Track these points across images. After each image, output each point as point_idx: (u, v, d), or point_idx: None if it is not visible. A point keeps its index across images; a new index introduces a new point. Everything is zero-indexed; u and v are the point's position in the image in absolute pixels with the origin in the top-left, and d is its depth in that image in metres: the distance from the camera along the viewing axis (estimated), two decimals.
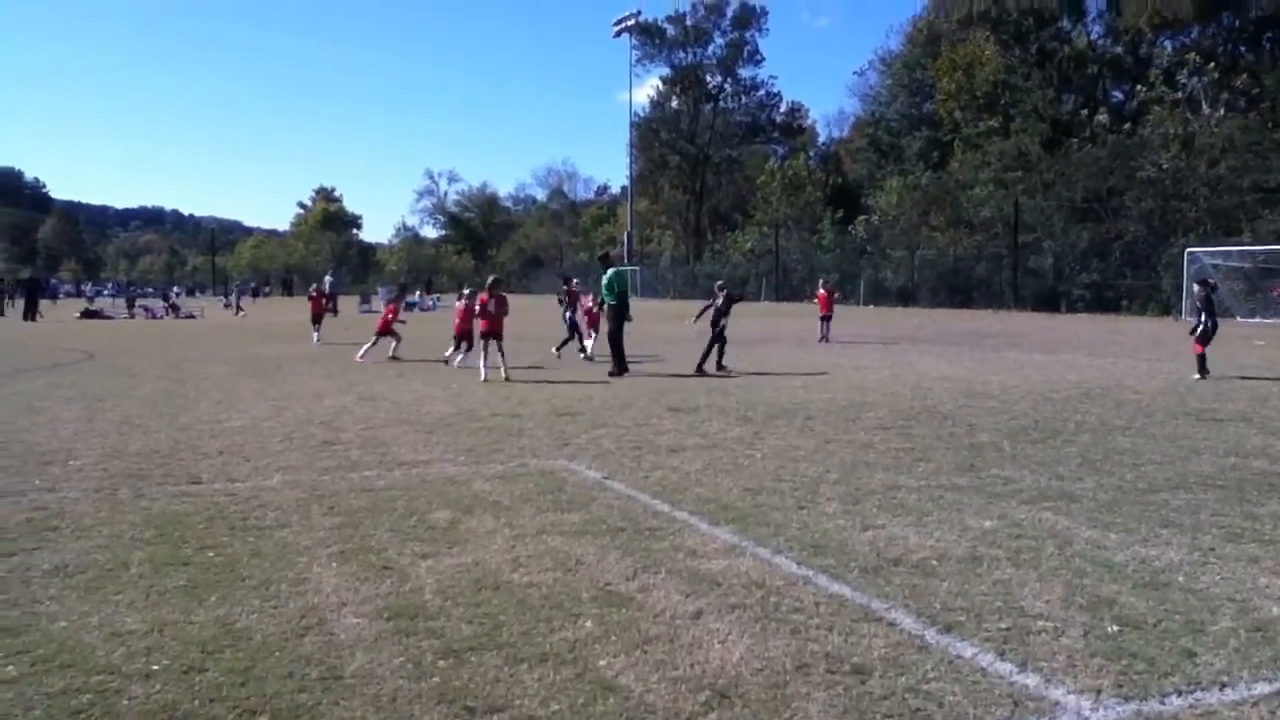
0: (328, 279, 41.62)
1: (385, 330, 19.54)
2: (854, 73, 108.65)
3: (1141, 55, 53.75)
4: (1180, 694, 3.58)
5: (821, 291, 24.04)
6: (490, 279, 15.86)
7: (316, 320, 24.64)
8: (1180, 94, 43.87)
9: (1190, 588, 4.75)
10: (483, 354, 15.03)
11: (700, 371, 15.59)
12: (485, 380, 14.45)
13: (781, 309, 47.79)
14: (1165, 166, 41.66)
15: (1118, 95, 56.94)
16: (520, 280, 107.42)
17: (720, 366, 15.78)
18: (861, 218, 63.22)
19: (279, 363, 18.29)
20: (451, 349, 17.62)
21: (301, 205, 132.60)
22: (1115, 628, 4.22)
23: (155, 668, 3.90)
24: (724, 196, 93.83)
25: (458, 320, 17.31)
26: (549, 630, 4.26)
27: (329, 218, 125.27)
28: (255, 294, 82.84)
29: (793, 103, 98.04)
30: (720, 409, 11.30)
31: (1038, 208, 47.37)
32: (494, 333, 15.04)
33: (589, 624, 4.33)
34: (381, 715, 3.48)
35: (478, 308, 15.45)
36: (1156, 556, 5.26)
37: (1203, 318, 14.66)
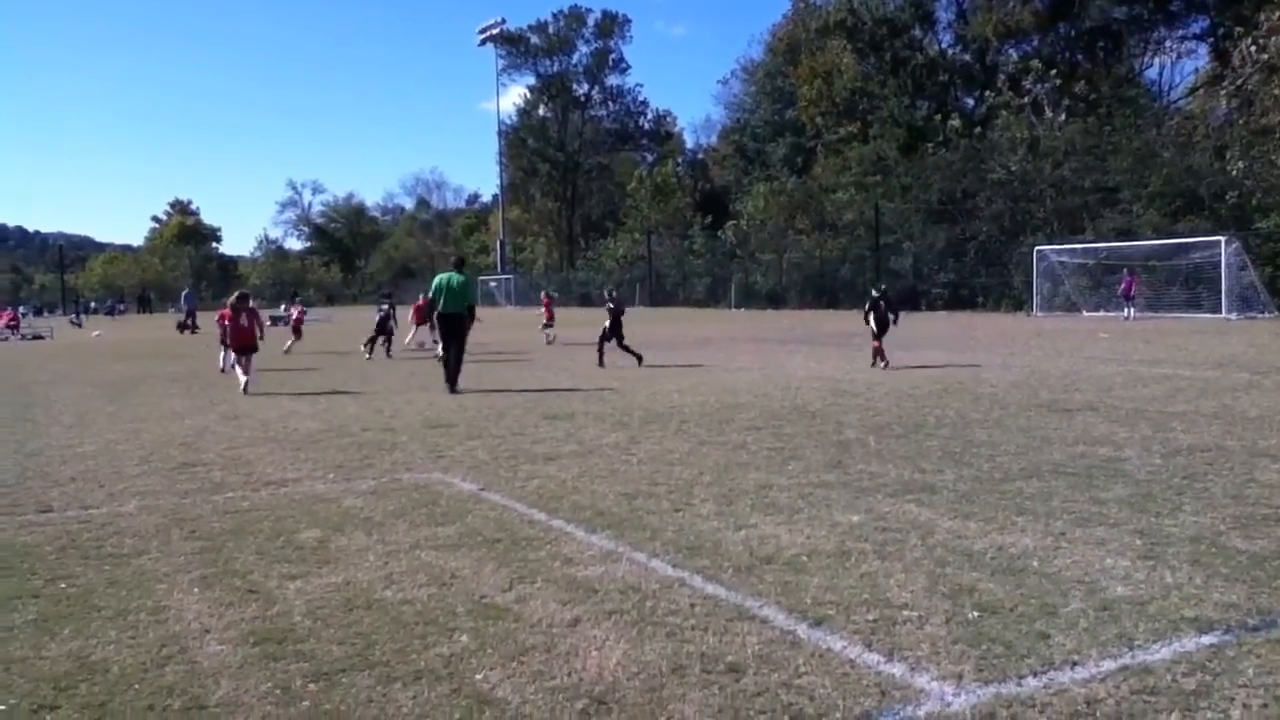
0: (184, 295, 40.11)
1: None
2: (718, 81, 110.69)
3: (989, 63, 56.35)
4: (1036, 675, 3.75)
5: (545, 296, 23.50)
6: (235, 294, 16.46)
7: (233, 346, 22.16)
8: (1025, 100, 46.14)
9: (1044, 572, 4.99)
10: (238, 365, 15.46)
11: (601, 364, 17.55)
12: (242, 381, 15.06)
13: (656, 314, 48.25)
14: (1014, 169, 43.79)
15: (968, 101, 59.56)
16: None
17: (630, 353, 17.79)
18: (730, 223, 64.42)
19: (136, 383, 17.50)
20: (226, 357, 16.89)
21: (156, 219, 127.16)
22: (975, 614, 4.40)
23: (2, 708, 3.69)
24: (595, 204, 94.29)
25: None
26: (424, 647, 4.20)
27: (186, 231, 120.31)
28: (110, 312, 79.03)
29: (660, 110, 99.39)
30: (596, 415, 11.33)
31: (897, 210, 49.16)
32: (246, 346, 15.54)
33: (465, 638, 4.28)
34: None
35: (226, 323, 16.01)
36: (1012, 543, 5.51)
37: (871, 320, 17.13)
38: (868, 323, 17.11)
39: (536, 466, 8.29)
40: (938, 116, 53.80)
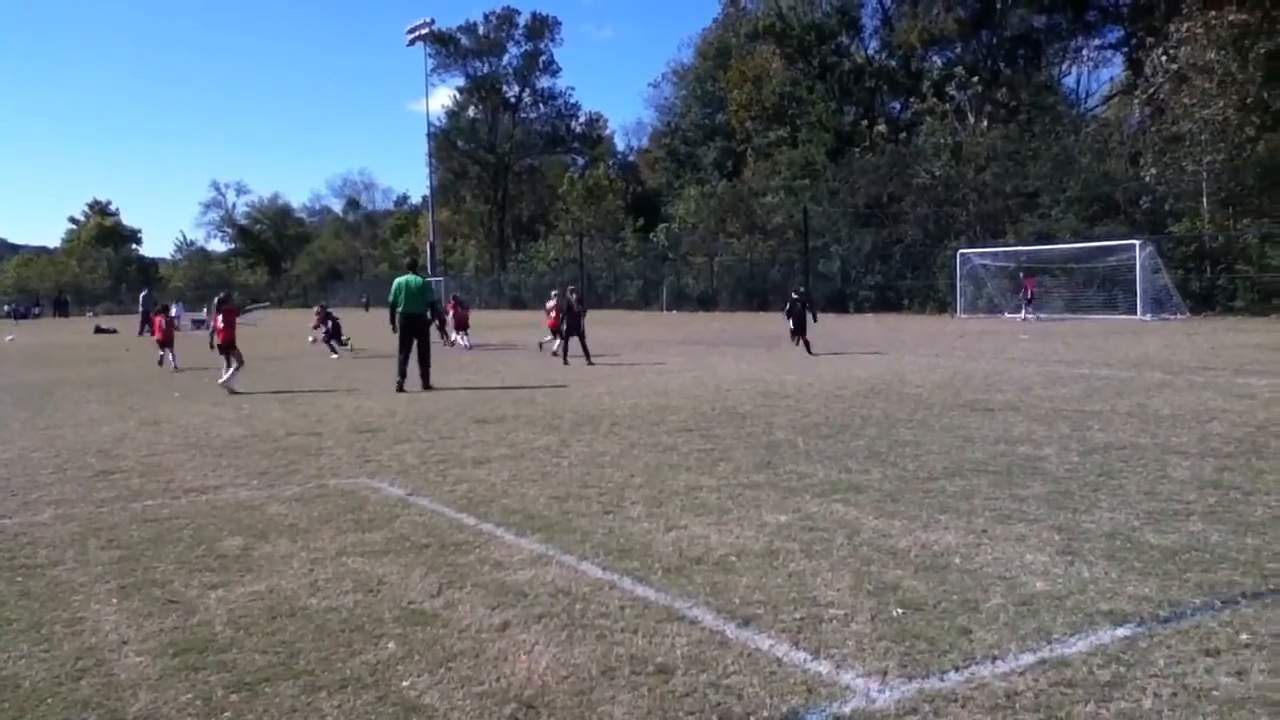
0: (143, 296, 39.21)
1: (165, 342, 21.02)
2: (649, 84, 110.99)
3: (914, 69, 57.39)
4: (958, 669, 3.83)
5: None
6: (218, 297, 17.36)
7: (163, 344, 21.54)
8: (949, 106, 47.09)
9: (966, 569, 5.09)
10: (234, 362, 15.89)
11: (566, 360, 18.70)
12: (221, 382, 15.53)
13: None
14: (938, 174, 44.64)
15: (894, 107, 60.62)
16: (319, 294, 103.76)
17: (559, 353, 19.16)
18: (662, 225, 64.63)
19: (51, 389, 16.97)
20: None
21: (73, 220, 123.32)
22: (899, 611, 4.48)
23: None
24: (526, 206, 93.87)
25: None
26: (349, 654, 4.14)
27: (105, 232, 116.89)
28: (24, 315, 76.46)
29: (592, 113, 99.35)
30: (527, 419, 11.28)
31: (825, 214, 49.76)
32: (227, 343, 16.04)
33: (391, 645, 4.24)
34: None
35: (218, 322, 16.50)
36: (936, 541, 5.61)
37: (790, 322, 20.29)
38: (788, 321, 19.69)
39: (466, 470, 8.23)
40: (864, 122, 54.63)
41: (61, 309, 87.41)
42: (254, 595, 4.97)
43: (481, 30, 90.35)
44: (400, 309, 15.17)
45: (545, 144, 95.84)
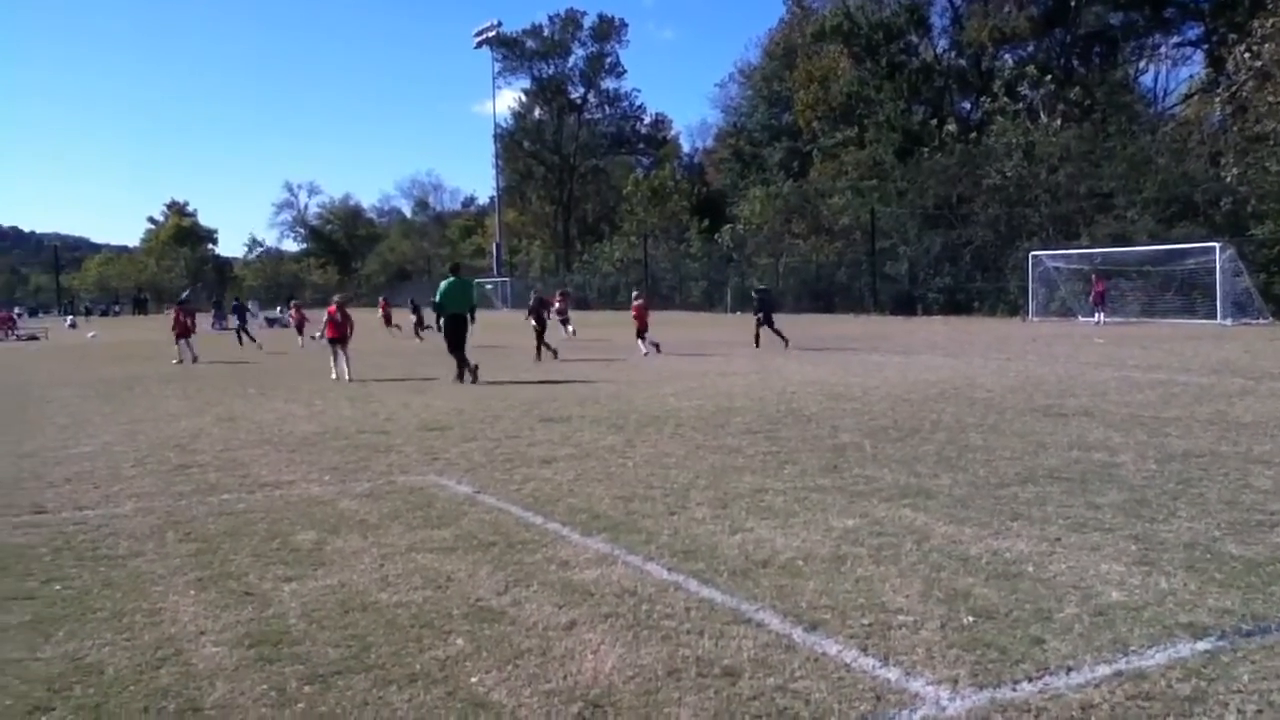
0: (184, 294, 40.26)
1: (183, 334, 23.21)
2: (715, 85, 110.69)
3: (984, 68, 56.44)
4: (1031, 680, 3.76)
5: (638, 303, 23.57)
6: (335, 297, 19.23)
7: (181, 336, 23.28)
8: (1021, 105, 46.21)
9: (1039, 577, 4.99)
10: (332, 357, 17.61)
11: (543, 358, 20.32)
12: (335, 379, 16.91)
13: (652, 318, 48.19)
14: (1009, 174, 43.82)
15: (964, 106, 59.68)
16: (387, 293, 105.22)
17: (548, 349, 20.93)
18: (727, 226, 64.39)
19: (131, 384, 17.47)
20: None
21: (152, 220, 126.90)
22: (970, 619, 4.41)
23: None
24: (591, 207, 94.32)
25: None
26: (419, 649, 4.20)
27: (182, 232, 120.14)
28: (105, 313, 78.90)
29: (657, 114, 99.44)
30: (592, 419, 11.33)
31: (893, 215, 49.19)
32: (340, 339, 17.63)
33: (460, 641, 4.28)
34: None
35: (326, 317, 18.22)
36: (1008, 548, 5.51)
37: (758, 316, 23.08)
38: (756, 314, 22.94)
39: (532, 469, 8.29)
40: (933, 121, 53.88)
41: (141, 307, 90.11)
42: (326, 589, 5.06)
43: (547, 32, 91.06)
44: (445, 309, 16.45)
45: (610, 145, 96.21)
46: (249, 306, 33.97)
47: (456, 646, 4.22)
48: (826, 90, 60.03)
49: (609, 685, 3.77)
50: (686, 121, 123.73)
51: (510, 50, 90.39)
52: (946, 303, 44.21)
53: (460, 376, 15.99)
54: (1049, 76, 46.65)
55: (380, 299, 39.72)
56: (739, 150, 76.51)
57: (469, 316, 16.57)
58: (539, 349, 21.02)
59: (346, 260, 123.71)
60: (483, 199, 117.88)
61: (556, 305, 29.52)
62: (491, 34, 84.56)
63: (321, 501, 7.24)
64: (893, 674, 3.83)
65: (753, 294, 24.09)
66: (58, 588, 5.21)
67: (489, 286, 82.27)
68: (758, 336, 22.70)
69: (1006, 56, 56.02)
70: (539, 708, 3.60)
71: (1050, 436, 9.34)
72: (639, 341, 22.12)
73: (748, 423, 10.67)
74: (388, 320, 35.68)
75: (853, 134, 58.09)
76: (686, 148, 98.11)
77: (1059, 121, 44.83)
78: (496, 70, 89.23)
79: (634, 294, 24.66)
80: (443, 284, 16.76)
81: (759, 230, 59.79)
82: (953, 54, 60.01)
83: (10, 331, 42.97)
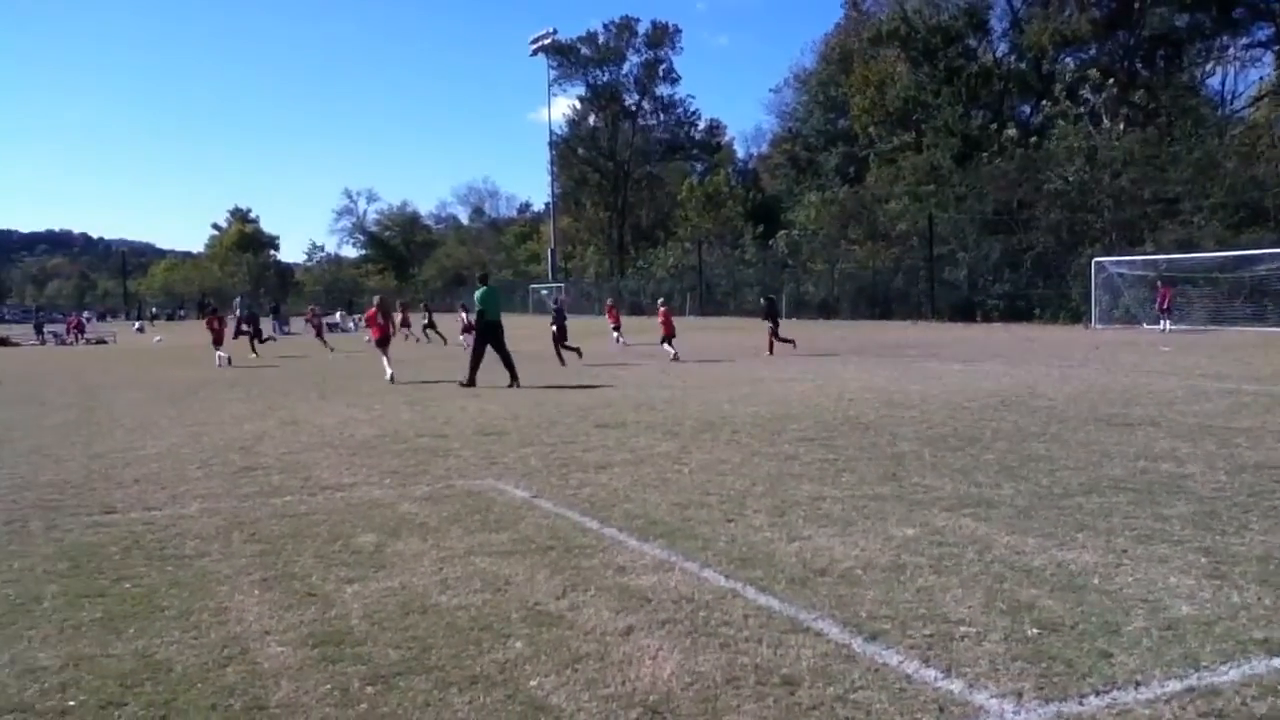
0: (236, 301, 41.26)
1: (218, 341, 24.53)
2: (770, 90, 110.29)
3: (1045, 72, 55.56)
4: (1098, 694, 3.68)
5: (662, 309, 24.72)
6: (376, 298, 20.47)
7: (216, 343, 24.56)
8: (1083, 109, 45.41)
9: (1105, 589, 4.89)
10: (384, 358, 18.61)
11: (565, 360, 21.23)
12: (391, 381, 17.61)
13: (707, 323, 48.15)
14: (1071, 179, 43.06)
15: (1024, 110, 58.81)
16: (444, 298, 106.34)
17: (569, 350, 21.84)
18: (782, 232, 64.14)
19: (196, 388, 17.85)
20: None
21: (216, 226, 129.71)
22: (1035, 631, 4.33)
23: (71, 703, 3.78)
24: (646, 213, 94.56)
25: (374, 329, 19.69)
26: (478, 652, 4.23)
27: (245, 239, 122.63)
28: (170, 317, 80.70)
29: (711, 120, 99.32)
30: (647, 424, 11.33)
31: (951, 220, 48.60)
32: (383, 340, 19.04)
33: (519, 644, 4.31)
34: None
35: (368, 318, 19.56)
36: (1072, 560, 5.41)
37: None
38: (766, 319, 24.13)
39: (588, 475, 8.31)
40: (993, 126, 53.17)
41: (205, 311, 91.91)
42: (387, 591, 5.12)
43: (601, 39, 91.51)
44: (488, 316, 17.03)
45: (665, 151, 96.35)
46: (314, 309, 34.90)
47: (515, 650, 4.25)
48: (883, 95, 59.51)
49: (667, 691, 3.77)
50: (741, 127, 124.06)
51: (565, 57, 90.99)
52: (1006, 309, 43.51)
53: (472, 382, 16.32)
54: (1112, 80, 45.78)
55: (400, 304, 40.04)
56: (794, 156, 76.21)
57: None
58: (559, 354, 21.83)
59: (404, 266, 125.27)
60: (538, 205, 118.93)
61: (609, 318, 30.70)
62: (547, 41, 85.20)
63: (382, 504, 7.33)
64: (956, 686, 3.78)
65: (761, 301, 26.38)
66: (128, 586, 5.34)
67: (544, 292, 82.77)
68: (771, 344, 23.55)
69: (1068, 60, 55.11)
70: (598, 713, 3.60)
71: (1115, 446, 9.15)
72: (664, 345, 22.88)
73: (804, 430, 10.61)
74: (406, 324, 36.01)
75: (910, 139, 57.56)
76: (741, 153, 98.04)
77: (1122, 125, 44.03)
78: (552, 77, 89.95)
79: (659, 301, 25.80)
80: (486, 291, 17.33)
81: (814, 236, 59.49)
82: (1012, 57, 59.14)
83: (80, 335, 44.13)
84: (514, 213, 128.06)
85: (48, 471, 9.04)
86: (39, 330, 46.45)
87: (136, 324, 62.04)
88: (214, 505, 7.42)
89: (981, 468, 8.20)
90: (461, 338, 29.28)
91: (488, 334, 16.94)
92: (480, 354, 16.87)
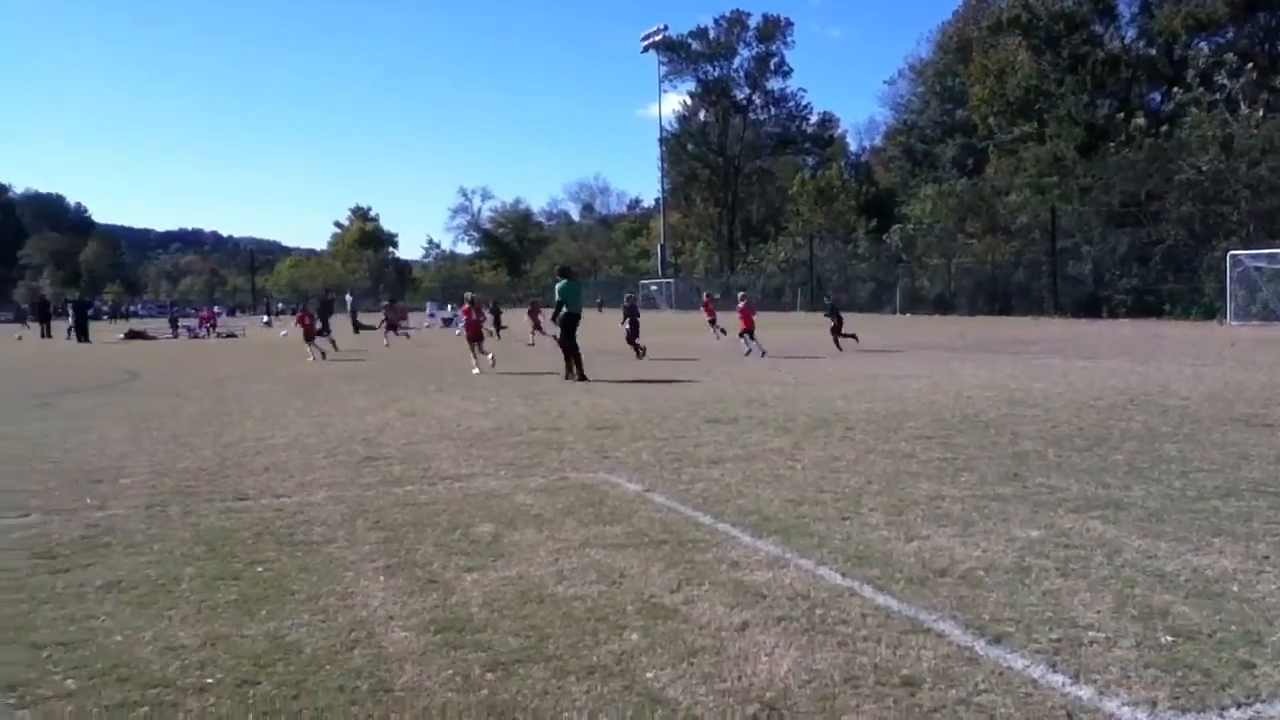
0: (348, 298, 42.55)
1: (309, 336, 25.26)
2: (884, 81, 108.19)
3: (1177, 57, 53.12)
4: (1239, 706, 3.51)
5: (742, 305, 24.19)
6: (467, 296, 22.02)
7: (308, 338, 25.51)
8: (1218, 95, 43.25)
9: (1245, 597, 4.66)
10: (480, 351, 19.61)
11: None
12: (477, 371, 18.86)
13: (818, 319, 47.59)
14: (1204, 169, 41.06)
15: (1154, 98, 56.35)
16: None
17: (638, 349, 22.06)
18: (896, 226, 62.90)
19: (320, 380, 18.49)
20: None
21: (338, 224, 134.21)
22: (1169, 638, 4.15)
23: (209, 681, 3.95)
24: (756, 208, 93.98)
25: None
26: (595, 643, 4.27)
27: (366, 236, 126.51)
28: (295, 312, 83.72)
29: (823, 113, 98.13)
30: (759, 420, 11.26)
31: (1075, 213, 46.91)
32: (477, 336, 19.93)
33: (635, 636, 4.34)
34: None
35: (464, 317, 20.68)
36: (1209, 566, 5.17)
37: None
38: (829, 316, 24.23)
39: (700, 469, 8.31)
40: (1120, 114, 51.07)
41: (328, 307, 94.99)
42: (505, 580, 5.22)
43: (712, 34, 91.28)
44: (569, 308, 17.45)
45: (776, 145, 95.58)
46: (428, 306, 35.84)
47: (631, 641, 4.27)
48: (1003, 84, 57.85)
49: (784, 688, 3.74)
50: (854, 120, 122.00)
51: (676, 53, 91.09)
52: (1134, 305, 41.78)
53: (571, 374, 16.88)
54: (1251, 64, 43.41)
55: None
56: (909, 148, 74.71)
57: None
58: (635, 349, 22.13)
59: (517, 262, 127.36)
60: (648, 201, 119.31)
61: (705, 313, 31.28)
62: (658, 38, 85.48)
63: (498, 495, 7.47)
64: (1084, 692, 3.65)
65: (824, 299, 28.11)
66: (260, 569, 5.56)
67: (653, 288, 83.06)
68: (837, 341, 23.57)
69: (1202, 44, 52.56)
70: (715, 706, 3.60)
71: (1254, 448, 8.70)
72: (741, 339, 22.78)
73: (921, 427, 10.39)
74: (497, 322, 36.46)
75: (1031, 129, 55.79)
76: (854, 146, 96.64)
77: (1261, 111, 41.72)
78: (662, 74, 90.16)
79: (739, 295, 25.37)
80: (563, 284, 17.77)
81: (930, 230, 58.18)
82: (1141, 43, 56.79)
83: (212, 329, 46.16)
84: (624, 209, 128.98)
85: (184, 459, 9.48)
86: (173, 324, 48.71)
87: (264, 318, 64.55)
88: (339, 493, 7.68)
89: (1110, 469, 7.90)
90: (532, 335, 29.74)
91: (570, 325, 17.36)
92: (570, 346, 17.21)
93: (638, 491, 7.49)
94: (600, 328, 29.34)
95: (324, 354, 25.04)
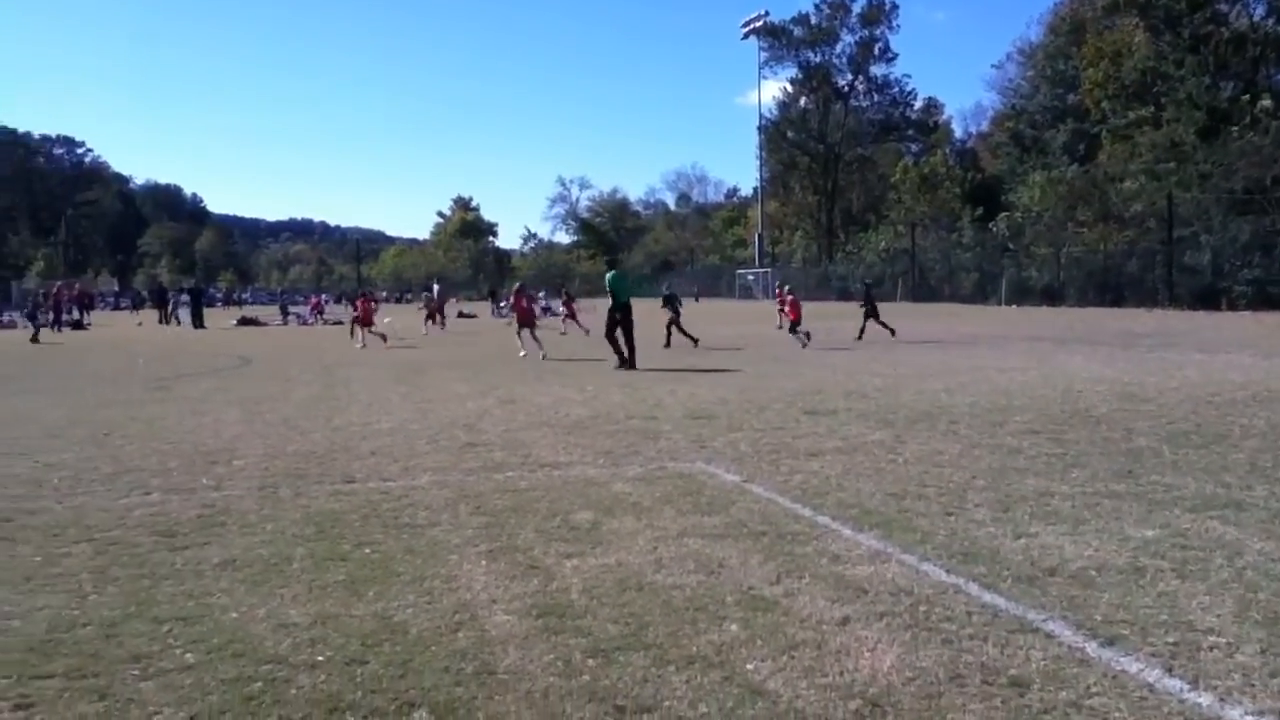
0: (435, 287, 43.45)
1: (366, 322, 25.88)
2: (992, 66, 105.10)
3: None
4: None
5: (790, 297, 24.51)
6: (516, 284, 23.49)
7: (364, 324, 26.13)
8: None
9: None
10: (532, 339, 20.70)
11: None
12: (527, 355, 19.96)
13: (920, 310, 46.68)
14: None
15: None
16: (652, 284, 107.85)
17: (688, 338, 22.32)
18: (1003, 215, 61.20)
19: (422, 368, 18.88)
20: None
21: (440, 214, 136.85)
22: None
23: (319, 658, 4.08)
24: (856, 196, 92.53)
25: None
26: (694, 632, 4.27)
27: (466, 226, 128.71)
28: (398, 300, 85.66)
29: (928, 99, 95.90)
30: (859, 412, 11.11)
31: (1194, 200, 44.97)
32: (527, 322, 21.09)
33: (734, 627, 4.32)
34: (534, 711, 3.55)
35: (515, 303, 22.14)
36: None
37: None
38: (864, 304, 24.51)
39: (799, 461, 8.23)
40: (1245, 97, 48.71)
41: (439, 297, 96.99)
42: (604, 567, 5.25)
43: (814, 20, 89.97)
44: (619, 298, 17.76)
45: (878, 132, 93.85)
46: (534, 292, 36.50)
47: (731, 633, 4.26)
48: (1118, 67, 55.67)
49: (888, 685, 3.68)
50: (959, 105, 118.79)
51: (777, 39, 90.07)
52: (1257, 296, 39.84)
53: (627, 363, 17.16)
54: None
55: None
56: (1017, 134, 72.45)
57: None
58: (687, 336, 22.27)
59: (613, 251, 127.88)
60: (745, 190, 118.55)
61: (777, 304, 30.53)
62: (758, 24, 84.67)
63: (596, 483, 7.52)
64: (1204, 699, 3.51)
65: (860, 286, 27.63)
66: (367, 551, 5.71)
67: (750, 278, 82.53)
68: (862, 331, 23.98)
69: None
70: (816, 700, 3.57)
71: None
72: (792, 332, 22.58)
73: (1028, 422, 10.10)
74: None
75: (1148, 113, 53.54)
76: (959, 133, 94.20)
77: None
78: (762, 60, 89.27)
79: (786, 288, 25.87)
80: (611, 275, 18.48)
81: (1039, 218, 56.44)
82: (1270, 20, 53.98)
83: (320, 316, 47.55)
84: (721, 198, 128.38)
85: (294, 442, 9.79)
86: (284, 312, 50.30)
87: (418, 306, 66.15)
88: (442, 478, 7.83)
89: (1230, 467, 7.56)
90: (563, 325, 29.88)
91: (619, 314, 17.58)
92: (616, 335, 17.53)
93: (736, 482, 7.46)
94: (698, 318, 29.29)
95: (384, 337, 25.89)
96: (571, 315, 29.82)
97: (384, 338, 25.88)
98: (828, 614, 4.47)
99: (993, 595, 4.67)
